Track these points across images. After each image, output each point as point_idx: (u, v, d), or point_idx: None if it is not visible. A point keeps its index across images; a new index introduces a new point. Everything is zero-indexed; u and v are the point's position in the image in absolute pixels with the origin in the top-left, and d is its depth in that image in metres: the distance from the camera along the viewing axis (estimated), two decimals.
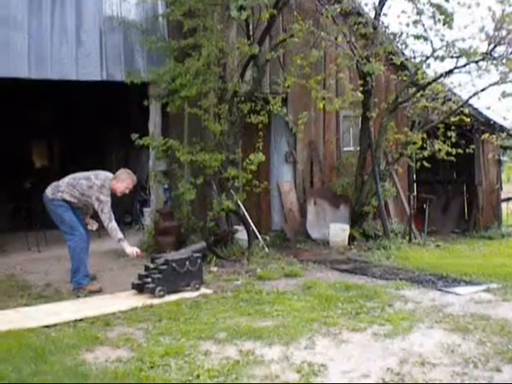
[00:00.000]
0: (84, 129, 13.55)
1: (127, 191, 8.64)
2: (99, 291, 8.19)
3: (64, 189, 8.28)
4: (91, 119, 14.32)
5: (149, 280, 7.82)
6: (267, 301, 7.60)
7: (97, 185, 8.19)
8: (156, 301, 7.50)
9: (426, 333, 6.35)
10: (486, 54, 12.17)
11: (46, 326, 6.48)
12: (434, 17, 11.27)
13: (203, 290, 8.10)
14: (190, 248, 8.82)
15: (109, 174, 8.46)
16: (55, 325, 6.55)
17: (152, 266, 8.02)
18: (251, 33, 11.07)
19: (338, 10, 11.43)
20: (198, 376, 5.11)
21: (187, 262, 8.06)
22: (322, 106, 11.98)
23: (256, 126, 11.13)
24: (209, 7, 10.58)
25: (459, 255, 11.90)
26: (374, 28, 12.00)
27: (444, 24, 11.11)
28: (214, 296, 7.89)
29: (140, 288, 7.88)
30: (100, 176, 8.35)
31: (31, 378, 5.02)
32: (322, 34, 11.52)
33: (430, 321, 6.76)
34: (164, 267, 7.89)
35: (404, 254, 11.40)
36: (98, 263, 9.89)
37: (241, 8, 8.95)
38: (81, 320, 6.73)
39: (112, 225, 8.15)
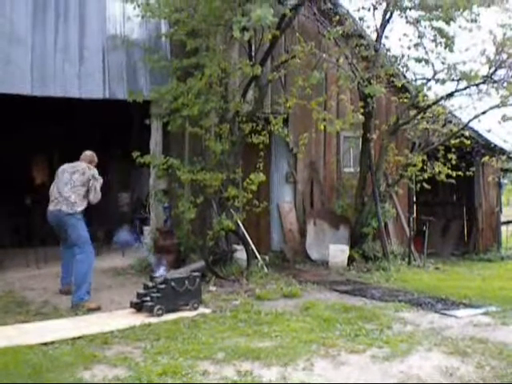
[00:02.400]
0: (85, 146, 13.55)
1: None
2: (98, 309, 8.18)
3: (75, 199, 8.58)
4: (93, 136, 14.34)
5: (147, 299, 7.81)
6: (266, 321, 7.58)
7: (83, 167, 8.84)
8: (154, 320, 7.48)
9: (425, 355, 6.34)
10: (487, 77, 12.23)
11: (44, 343, 6.46)
12: (435, 40, 11.32)
13: (202, 310, 8.08)
14: (189, 267, 8.81)
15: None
16: (53, 342, 6.53)
17: (151, 284, 8.01)
18: (253, 53, 11.11)
19: (340, 32, 11.49)
20: None
21: (186, 281, 8.05)
22: (322, 127, 12.02)
23: (257, 146, 11.16)
24: (212, 27, 10.65)
25: (458, 278, 11.89)
26: (376, 50, 12.06)
27: (445, 47, 11.16)
28: (212, 316, 7.87)
29: (138, 307, 7.87)
30: (78, 163, 9.00)
31: None
32: (324, 55, 11.58)
33: (428, 343, 6.75)
34: (163, 286, 7.88)
35: (403, 275, 11.39)
36: (97, 281, 9.84)
37: (244, 29, 8.98)
38: (79, 338, 6.71)
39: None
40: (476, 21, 11.40)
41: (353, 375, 5.72)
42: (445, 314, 8.24)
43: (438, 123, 13.53)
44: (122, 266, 10.59)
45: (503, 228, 17.93)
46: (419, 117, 13.21)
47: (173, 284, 7.92)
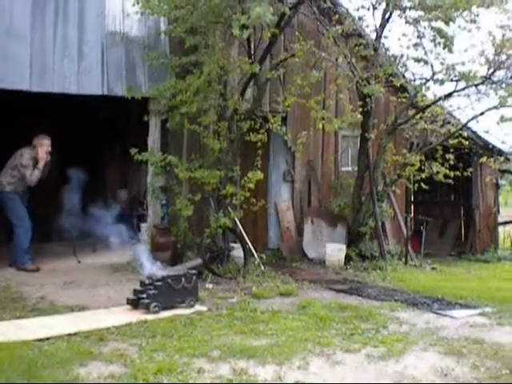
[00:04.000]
0: (82, 142, 13.56)
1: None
2: (37, 270, 10.09)
3: (3, 180, 10.23)
4: (90, 133, 14.31)
5: (144, 296, 7.80)
6: (262, 319, 7.59)
7: (20, 152, 10.34)
8: (150, 317, 7.48)
9: (420, 355, 6.34)
10: (486, 78, 12.23)
11: (40, 339, 6.45)
12: (434, 40, 11.31)
13: (198, 307, 8.08)
14: (186, 264, 8.82)
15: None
16: (49, 338, 6.53)
17: (147, 281, 8.00)
18: (252, 51, 11.11)
19: (340, 31, 11.49)
20: None
21: (183, 279, 8.05)
22: (321, 125, 12.02)
23: (255, 144, 11.15)
24: (211, 25, 10.65)
25: (455, 278, 11.90)
26: (375, 50, 12.06)
27: (444, 47, 11.15)
28: (208, 313, 7.87)
29: (135, 303, 7.85)
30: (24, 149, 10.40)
31: None
32: (323, 54, 11.58)
33: (424, 343, 6.76)
34: (159, 283, 7.88)
35: (400, 275, 11.39)
36: (94, 277, 9.89)
37: (243, 26, 8.98)
38: (75, 334, 6.71)
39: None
40: (475, 21, 11.41)
41: (348, 374, 5.73)
42: (441, 314, 8.25)
43: (436, 123, 13.52)
44: (119, 263, 10.58)
45: (500, 229, 17.96)
46: (418, 117, 13.19)
47: (169, 281, 7.92)
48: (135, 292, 7.97)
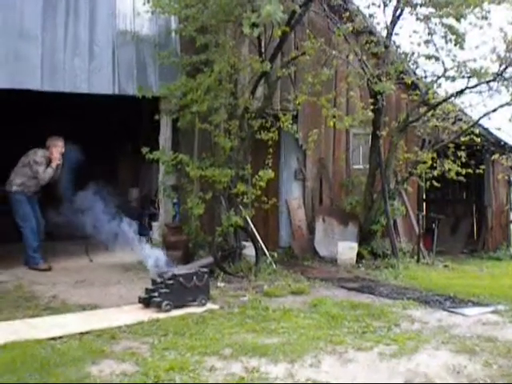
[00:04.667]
0: (95, 141, 13.60)
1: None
2: (49, 269, 10.20)
3: (13, 178, 10.32)
4: (103, 132, 14.35)
5: (156, 294, 7.83)
6: (273, 318, 7.59)
7: (32, 151, 10.43)
8: (162, 315, 7.49)
9: (432, 353, 6.33)
10: (497, 74, 12.18)
11: (52, 338, 6.48)
12: (445, 37, 11.29)
13: (210, 306, 8.09)
14: (198, 263, 8.83)
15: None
16: (61, 337, 6.55)
17: (159, 280, 8.02)
18: (263, 49, 11.10)
19: (350, 28, 11.47)
20: None
21: (194, 277, 8.08)
22: (332, 123, 12.00)
23: (266, 143, 11.15)
24: (221, 24, 10.65)
25: (467, 276, 11.86)
26: (386, 47, 12.03)
27: (455, 44, 11.13)
28: (220, 312, 7.88)
29: (146, 302, 7.88)
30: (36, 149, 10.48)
31: None
32: (334, 52, 11.55)
33: (436, 341, 6.74)
34: (171, 282, 7.90)
35: (412, 273, 11.36)
36: (106, 276, 9.92)
37: (253, 25, 8.97)
38: (87, 333, 6.73)
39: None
40: (487, 18, 11.37)
41: (360, 373, 5.73)
42: (453, 312, 8.23)
43: (448, 121, 13.48)
44: (131, 262, 10.60)
45: None
46: (429, 114, 13.16)
47: (181, 280, 7.94)
48: (147, 291, 7.99)
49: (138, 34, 11.14)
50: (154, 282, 8.08)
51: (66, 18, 10.48)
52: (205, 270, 8.36)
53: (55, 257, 10.89)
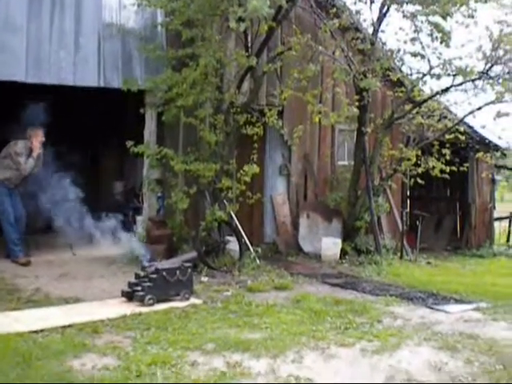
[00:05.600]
0: (79, 134, 13.52)
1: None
2: (28, 264, 10.04)
3: None
4: (86, 125, 14.28)
5: (139, 288, 7.81)
6: (256, 313, 7.59)
7: (12, 142, 10.37)
8: (145, 309, 7.49)
9: (414, 350, 6.36)
10: (483, 73, 12.22)
11: (34, 331, 6.46)
12: (431, 35, 11.31)
13: (193, 300, 8.08)
14: (181, 257, 8.81)
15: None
16: (43, 330, 6.53)
17: (142, 274, 8.01)
18: (249, 44, 11.08)
19: (337, 24, 11.47)
20: None
21: (177, 272, 8.07)
22: (317, 119, 12.00)
23: (251, 138, 11.14)
24: (208, 18, 10.61)
25: (450, 273, 11.92)
26: (372, 44, 12.04)
27: (441, 42, 11.16)
28: (203, 306, 7.88)
29: (129, 296, 7.86)
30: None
31: (17, 382, 5.00)
32: (320, 48, 11.56)
33: (418, 338, 6.77)
34: (154, 276, 7.89)
35: (395, 270, 11.40)
36: (89, 270, 9.88)
37: (240, 19, 8.96)
38: (69, 326, 6.71)
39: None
40: (473, 16, 11.40)
41: (342, 368, 5.74)
42: (435, 309, 8.27)
43: (433, 118, 13.51)
44: (114, 255, 10.56)
45: (496, 224, 17.98)
46: (414, 111, 13.19)
47: (164, 274, 7.94)
48: (130, 285, 7.98)
49: (123, 27, 11.08)
50: (137, 275, 8.07)
51: (52, 10, 10.40)
52: (188, 264, 8.34)
53: (38, 250, 10.84)
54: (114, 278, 9.35)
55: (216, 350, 6.09)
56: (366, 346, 6.39)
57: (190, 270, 8.26)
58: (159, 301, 7.77)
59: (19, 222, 10.32)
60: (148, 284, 7.83)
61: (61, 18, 10.49)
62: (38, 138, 10.46)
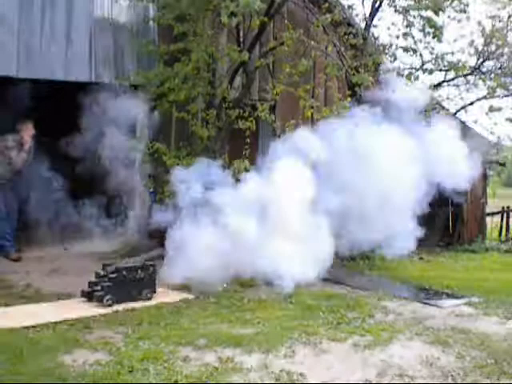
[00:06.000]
0: (70, 128, 13.45)
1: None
2: (19, 259, 10.00)
3: None
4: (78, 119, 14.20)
5: (98, 288, 7.57)
6: (248, 308, 7.60)
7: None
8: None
9: (406, 345, 6.37)
10: (475, 68, 12.25)
11: (25, 327, 6.44)
12: (423, 30, 11.30)
13: (185, 295, 8.06)
14: (146, 255, 8.61)
15: None
16: (34, 326, 6.51)
17: (102, 273, 7.76)
18: (241, 39, 11.06)
19: (329, 19, 11.44)
20: (176, 381, 5.11)
21: (139, 270, 7.84)
22: (310, 114, 11.98)
23: (244, 132, 11.12)
24: (200, 12, 10.57)
25: (442, 268, 11.94)
26: (364, 39, 12.02)
27: (433, 37, 11.15)
28: (195, 301, 7.87)
29: (90, 296, 7.60)
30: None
31: (7, 378, 4.98)
32: (312, 43, 11.53)
33: (410, 333, 6.78)
34: (114, 275, 7.65)
35: (387, 264, 11.40)
36: (80, 265, 9.83)
37: (232, 14, 8.94)
38: (60, 322, 6.69)
39: None
40: (465, 11, 11.42)
41: (334, 363, 5.74)
42: (427, 304, 8.29)
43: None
44: (106, 251, 10.53)
45: (488, 219, 18.00)
46: None
47: (124, 273, 7.71)
48: (90, 284, 7.72)
49: (115, 22, 11.04)
50: (97, 274, 7.81)
51: (43, 4, 10.33)
52: (151, 262, 8.10)
53: (29, 245, 10.80)
54: None
55: (208, 345, 6.08)
56: (358, 341, 6.40)
57: (152, 269, 7.98)
58: (120, 301, 7.48)
59: (10, 217, 10.29)
60: (107, 284, 7.53)
61: (52, 13, 10.43)
62: (28, 132, 10.45)
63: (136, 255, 9.72)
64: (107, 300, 7.39)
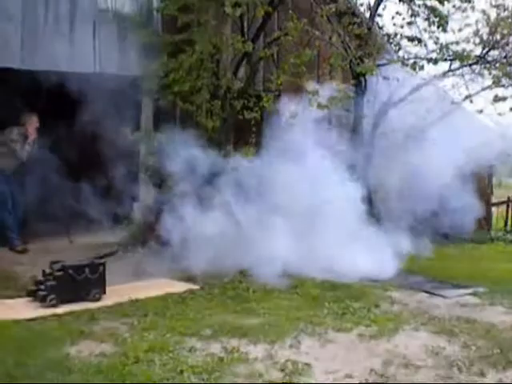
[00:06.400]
0: (74, 119, 13.45)
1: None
2: (25, 251, 10.06)
3: None
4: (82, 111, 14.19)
5: (42, 287, 7.16)
6: (254, 298, 7.61)
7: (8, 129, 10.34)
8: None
9: (412, 335, 6.37)
10: (480, 57, 12.18)
11: (31, 319, 6.46)
12: (428, 19, 11.27)
13: (190, 286, 8.06)
14: (99, 253, 8.19)
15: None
16: (40, 317, 6.53)
17: (48, 271, 7.35)
18: (246, 30, 11.03)
19: (333, 9, 11.41)
20: (182, 372, 5.12)
21: (87, 269, 7.38)
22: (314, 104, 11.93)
23: (248, 123, 11.10)
24: (204, 3, 10.54)
25: (447, 258, 11.90)
26: (369, 29, 11.98)
27: (438, 27, 11.13)
28: (200, 292, 7.88)
29: (36, 295, 7.22)
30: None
31: (13, 369, 5.00)
32: (317, 33, 11.50)
33: (415, 323, 6.78)
34: (59, 274, 7.22)
35: None
36: (85, 257, 9.81)
37: (235, 4, 8.91)
38: (65, 313, 6.70)
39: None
40: (470, 1, 11.36)
41: (339, 353, 5.75)
42: (433, 294, 8.28)
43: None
44: (111, 242, 10.53)
45: (494, 209, 17.97)
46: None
47: (71, 272, 7.27)
48: (36, 282, 7.35)
49: (119, 13, 11.00)
50: (43, 273, 7.42)
51: None
52: (101, 261, 7.70)
53: (35, 237, 10.81)
54: (112, 266, 9.28)
55: (213, 335, 6.10)
56: (363, 331, 6.41)
57: (102, 268, 7.52)
58: (66, 301, 7.05)
59: (16, 209, 10.31)
60: (51, 283, 7.11)
61: (56, 4, 10.40)
62: (32, 125, 10.49)
63: (139, 247, 9.75)
64: (50, 300, 6.99)
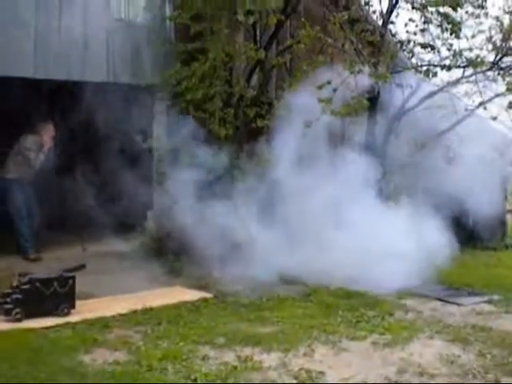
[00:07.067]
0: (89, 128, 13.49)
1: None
2: (39, 259, 10.05)
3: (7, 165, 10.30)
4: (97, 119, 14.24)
5: (8, 300, 6.85)
6: (267, 307, 7.59)
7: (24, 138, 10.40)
8: (155, 303, 7.39)
9: (426, 343, 6.34)
10: (493, 64, 12.14)
11: (45, 327, 6.47)
12: (441, 26, 11.24)
13: (204, 294, 8.05)
14: (69, 266, 7.79)
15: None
16: (54, 326, 6.54)
17: (15, 283, 7.01)
18: (258, 38, 11.05)
19: (346, 16, 11.40)
20: (195, 380, 5.13)
21: (55, 283, 7.07)
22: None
23: (260, 131, 11.10)
24: (216, 11, 10.57)
25: (462, 265, 11.83)
26: (381, 36, 11.96)
27: (451, 33, 11.09)
28: (214, 300, 7.87)
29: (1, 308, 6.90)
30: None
31: (28, 376, 5.01)
32: (329, 40, 11.50)
33: (430, 331, 6.75)
34: (26, 287, 6.93)
35: None
36: (99, 265, 9.85)
37: (248, 12, 8.92)
38: (80, 322, 6.72)
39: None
40: (483, 7, 11.33)
41: (353, 361, 5.72)
42: (447, 302, 8.23)
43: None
44: (125, 251, 10.54)
45: (508, 216, 17.87)
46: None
47: (38, 285, 6.97)
48: (3, 295, 6.99)
49: (132, 22, 11.05)
50: (11, 285, 7.08)
51: (60, 5, 10.36)
52: (70, 274, 7.34)
53: (49, 246, 10.84)
54: (126, 274, 9.33)
55: (227, 344, 6.09)
56: (377, 340, 6.38)
57: (71, 282, 7.20)
58: (32, 315, 6.77)
59: (31, 217, 10.34)
60: (17, 296, 6.82)
61: (69, 14, 10.45)
62: (48, 133, 10.53)
63: (153, 256, 9.76)
64: (15, 314, 6.73)
